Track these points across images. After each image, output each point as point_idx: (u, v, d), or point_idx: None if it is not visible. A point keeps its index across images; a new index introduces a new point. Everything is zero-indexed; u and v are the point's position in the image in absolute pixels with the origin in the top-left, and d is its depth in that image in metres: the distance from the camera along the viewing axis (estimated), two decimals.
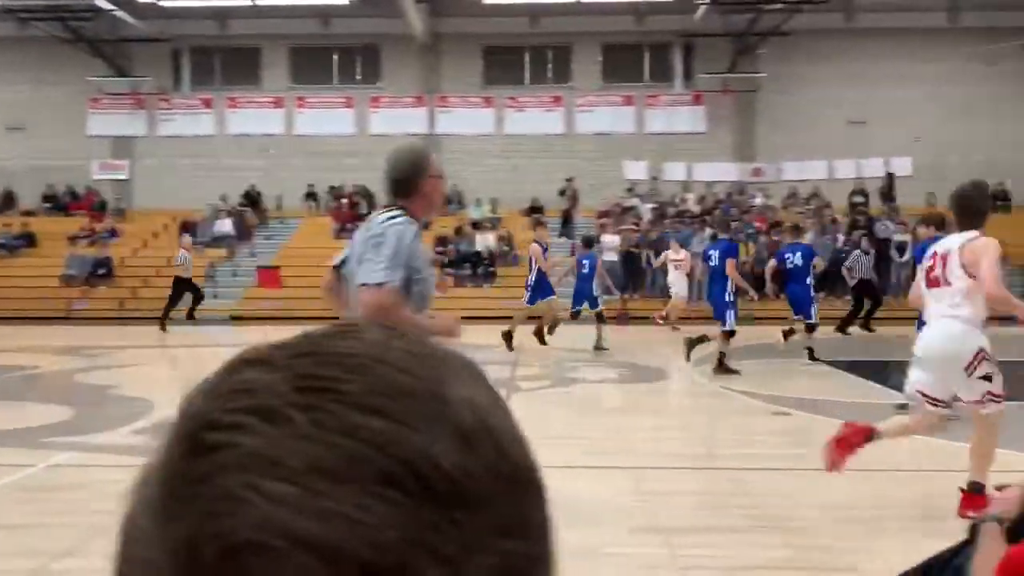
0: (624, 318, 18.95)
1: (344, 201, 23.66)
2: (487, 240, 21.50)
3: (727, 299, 10.20)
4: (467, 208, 23.50)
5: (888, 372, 10.61)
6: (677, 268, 16.20)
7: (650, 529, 4.40)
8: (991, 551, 1.75)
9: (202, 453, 0.35)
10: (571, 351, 12.81)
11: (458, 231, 21.84)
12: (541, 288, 12.90)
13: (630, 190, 23.13)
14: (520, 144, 24.54)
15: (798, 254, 11.27)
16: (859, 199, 22.59)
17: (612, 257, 19.98)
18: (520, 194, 23.77)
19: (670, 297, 16.47)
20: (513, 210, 23.59)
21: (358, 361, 0.37)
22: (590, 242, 14.28)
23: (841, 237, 20.26)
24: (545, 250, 13.27)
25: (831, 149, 23.86)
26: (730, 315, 10.14)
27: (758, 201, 22.54)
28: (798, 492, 5.11)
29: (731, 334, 10.19)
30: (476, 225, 22.25)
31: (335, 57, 25.14)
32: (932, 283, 4.64)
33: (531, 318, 13.80)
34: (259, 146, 24.82)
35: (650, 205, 22.28)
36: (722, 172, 24.06)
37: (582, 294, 13.51)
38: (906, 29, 23.03)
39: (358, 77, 25.11)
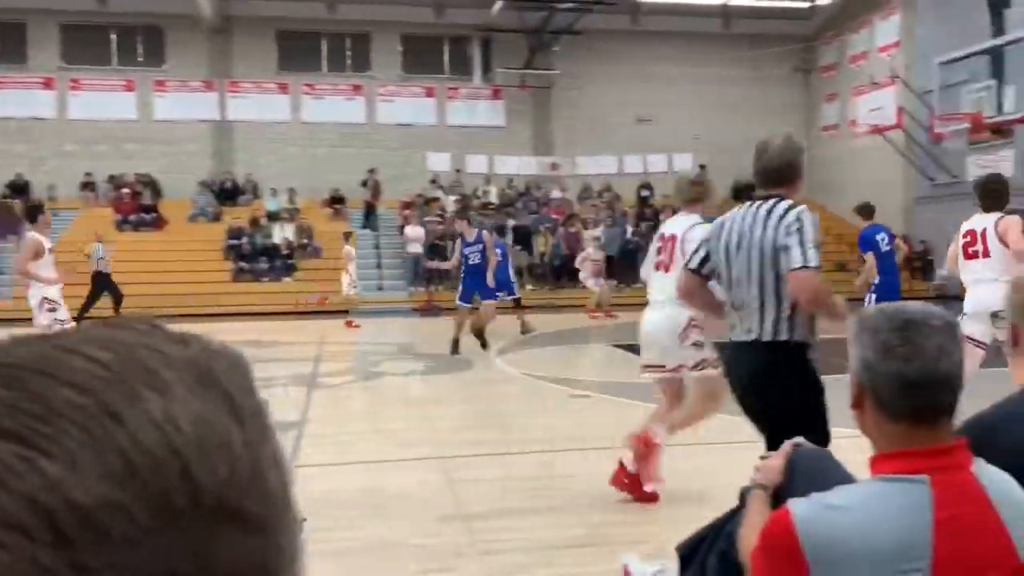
0: (432, 310, 19.02)
1: (126, 191, 22.02)
2: (285, 232, 20.81)
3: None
4: (263, 199, 22.61)
5: None
6: (594, 269, 16.95)
7: (454, 517, 4.44)
8: (757, 516, 1.90)
9: None
10: (377, 344, 12.67)
11: (253, 223, 20.97)
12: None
13: (433, 182, 23.19)
14: (319, 133, 23.92)
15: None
16: (646, 193, 23.97)
17: (416, 249, 20.01)
18: (320, 184, 23.19)
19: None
20: (313, 201, 22.99)
21: (10, 372, 0.32)
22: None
23: (630, 228, 21.41)
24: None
25: (621, 145, 25.12)
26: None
27: (556, 194, 23.36)
28: (595, 471, 5.34)
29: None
30: (273, 216, 21.46)
31: (113, 36, 23.30)
32: (971, 256, 5.57)
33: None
34: (25, 130, 22.56)
35: (453, 197, 22.48)
36: (522, 166, 24.68)
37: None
38: (685, 33, 24.66)
39: (140, 59, 23.42)
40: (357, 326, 15.12)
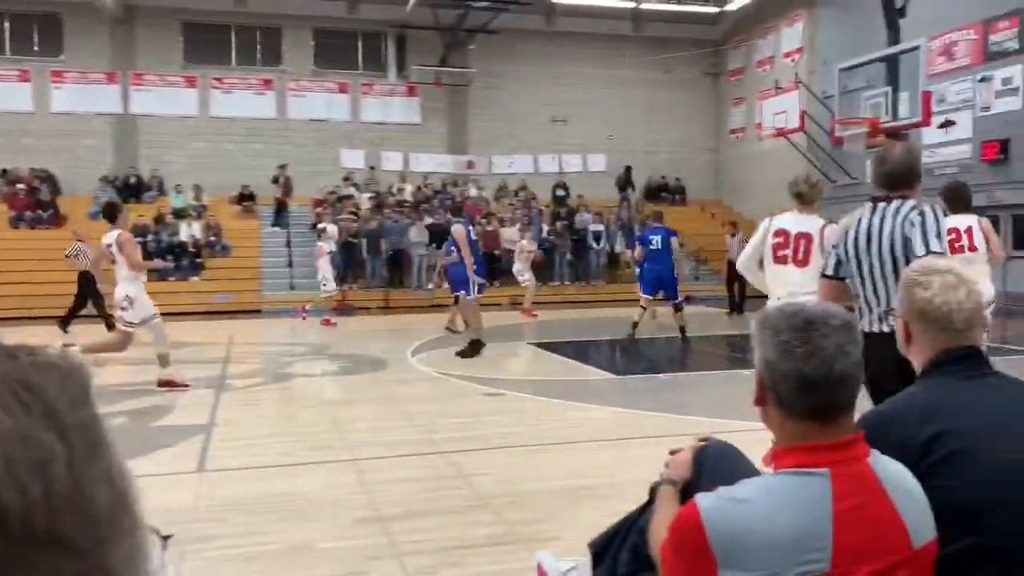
0: (346, 309, 18.74)
1: (21, 186, 20.99)
2: (192, 230, 20.19)
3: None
4: (168, 195, 21.88)
5: (589, 351, 11.51)
6: (528, 259, 16.88)
7: (370, 519, 4.39)
8: (666, 511, 1.95)
9: None
10: (288, 344, 12.43)
11: (159, 220, 20.28)
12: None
13: (347, 179, 22.87)
14: (228, 128, 23.29)
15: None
16: (561, 192, 24.20)
17: (330, 247, 19.64)
18: (229, 181, 22.60)
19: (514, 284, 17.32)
20: (221, 198, 22.38)
21: None
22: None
23: (545, 227, 21.58)
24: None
25: (537, 144, 25.31)
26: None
27: (473, 192, 23.34)
28: (511, 470, 5.37)
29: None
30: (179, 214, 20.79)
31: (7, 24, 22.16)
32: (958, 251, 6.39)
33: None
34: None
35: (368, 195, 22.21)
36: (437, 163, 24.58)
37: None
38: (598, 35, 24.99)
39: (36, 48, 22.33)
40: (334, 323, 15.15)
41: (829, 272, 3.74)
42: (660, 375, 9.79)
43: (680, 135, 26.54)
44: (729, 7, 24.17)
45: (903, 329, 2.01)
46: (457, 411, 7.37)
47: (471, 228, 11.19)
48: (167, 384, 8.41)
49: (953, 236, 6.38)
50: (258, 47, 23.83)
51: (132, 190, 22.09)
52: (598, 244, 21.63)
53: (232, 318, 16.87)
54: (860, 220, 3.62)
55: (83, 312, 14.37)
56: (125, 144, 22.77)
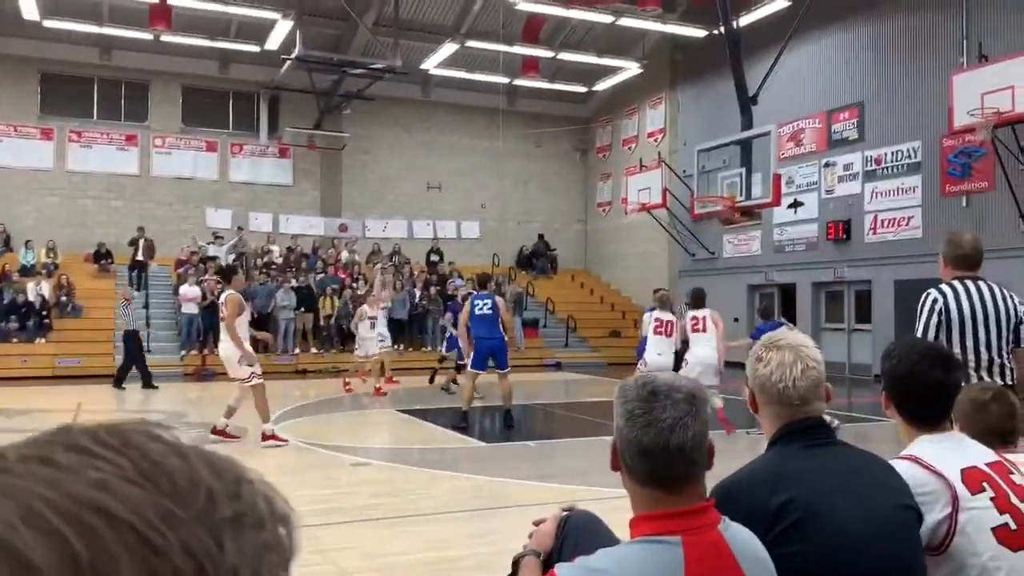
0: (205, 374, 17.97)
1: None
2: (41, 288, 18.97)
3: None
4: (16, 251, 20.54)
5: (458, 418, 11.47)
6: (374, 327, 14.49)
7: None
8: None
9: None
10: (143, 411, 11.76)
11: (2, 277, 18.96)
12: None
13: (220, 238, 22.13)
14: (86, 183, 22.23)
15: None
16: (435, 258, 24.30)
17: (192, 309, 18.92)
18: (85, 238, 21.48)
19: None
20: (76, 256, 21.20)
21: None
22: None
23: (418, 292, 21.56)
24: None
25: (411, 210, 25.41)
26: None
27: (344, 256, 23.08)
28: (374, 543, 5.23)
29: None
30: (26, 271, 19.52)
31: None
32: (697, 332, 9.90)
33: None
34: None
35: (232, 256, 21.56)
36: (309, 225, 24.23)
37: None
38: (473, 107, 25.59)
39: None
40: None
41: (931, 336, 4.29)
42: (530, 442, 9.84)
43: (551, 206, 27.30)
44: (597, 87, 25.33)
45: (751, 398, 2.11)
46: (321, 482, 7.15)
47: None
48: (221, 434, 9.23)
49: (694, 322, 9.92)
50: (123, 101, 23.00)
51: None
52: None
53: (82, 383, 15.84)
54: (961, 296, 4.22)
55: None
56: None
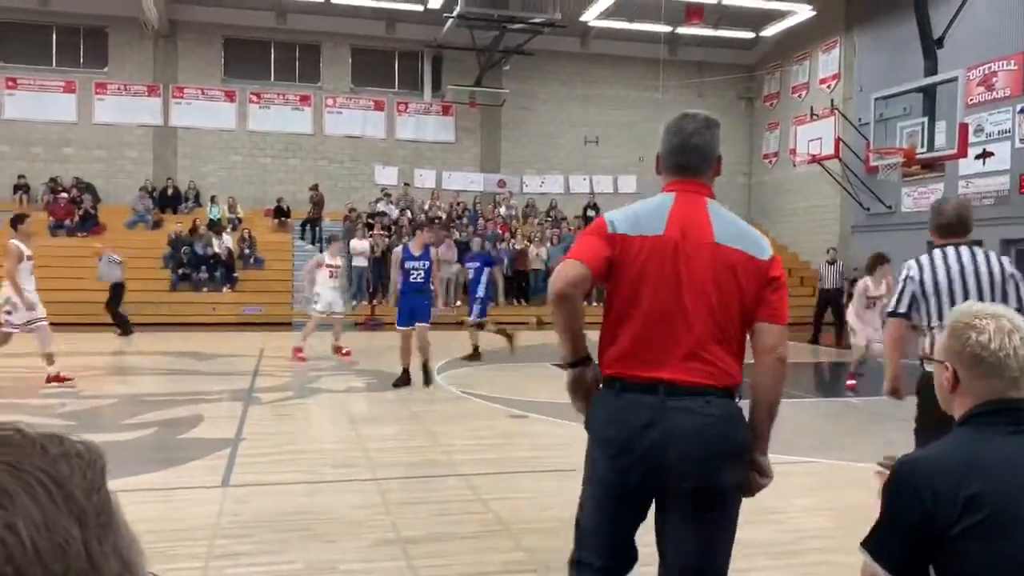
0: (374, 323, 18.90)
1: (64, 195, 21.46)
2: (226, 241, 20.47)
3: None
4: (205, 207, 22.24)
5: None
6: (332, 275, 12.68)
7: (389, 541, 4.43)
8: None
9: None
10: (316, 359, 12.53)
11: (193, 231, 20.60)
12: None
13: (388, 195, 23.08)
14: (265, 142, 23.65)
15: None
16: (592, 213, 24.21)
17: (362, 263, 19.88)
18: (264, 194, 22.94)
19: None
20: (256, 211, 22.69)
21: None
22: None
23: None
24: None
25: (568, 164, 25.39)
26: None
27: (502, 211, 23.45)
28: (534, 495, 5.38)
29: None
30: (214, 226, 21.11)
31: (55, 36, 22.74)
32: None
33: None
34: None
35: (398, 211, 22.40)
36: (469, 182, 24.75)
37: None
38: (632, 58, 25.06)
39: (81, 60, 22.89)
40: (347, 353, 12.89)
41: (901, 310, 4.21)
42: None
43: None
44: (765, 33, 24.12)
45: (951, 376, 1.86)
46: (481, 433, 7.40)
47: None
48: (55, 380, 9.23)
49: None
50: (297, 63, 24.21)
51: (169, 201, 22.50)
52: None
53: (263, 330, 17.07)
54: (938, 263, 4.13)
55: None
56: (164, 156, 23.21)
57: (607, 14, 22.22)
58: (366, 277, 19.98)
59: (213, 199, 22.08)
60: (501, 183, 24.92)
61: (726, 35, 23.92)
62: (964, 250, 4.16)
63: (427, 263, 10.03)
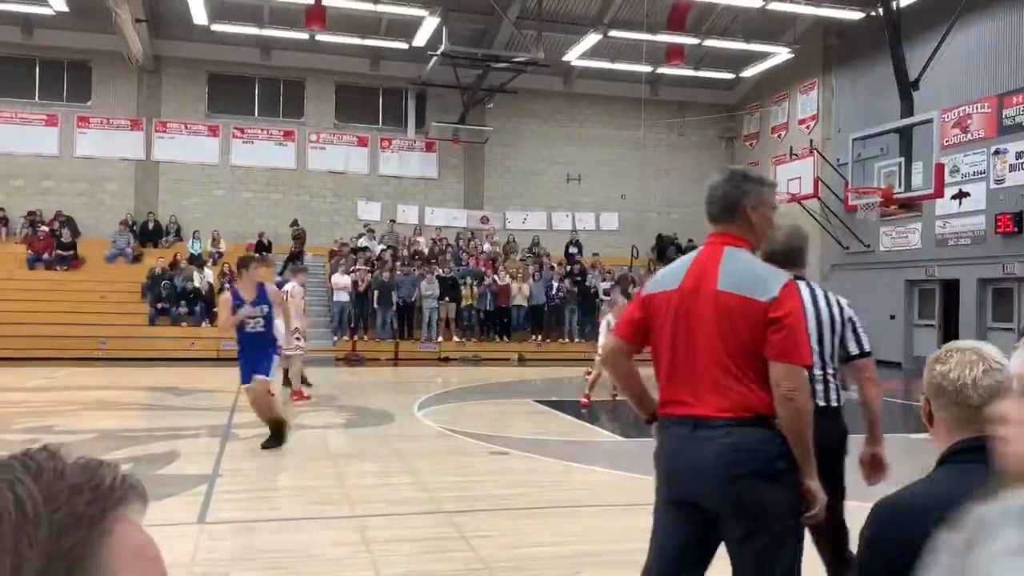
0: (356, 359, 18.80)
1: (43, 228, 21.29)
2: (206, 276, 20.34)
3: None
4: (186, 241, 22.11)
5: (596, 411, 11.45)
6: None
7: None
8: None
9: None
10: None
11: (173, 265, 20.46)
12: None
13: (371, 231, 23.10)
14: (248, 177, 23.63)
15: None
16: (574, 249, 24.34)
17: (343, 298, 19.83)
18: (246, 229, 22.86)
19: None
20: (238, 245, 22.58)
21: None
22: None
23: (555, 283, 21.66)
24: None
25: (550, 201, 25.54)
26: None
27: (486, 247, 23.51)
28: (515, 533, 5.31)
29: None
30: (194, 260, 20.98)
31: (38, 70, 22.71)
32: None
33: None
34: None
35: (382, 246, 22.40)
36: (452, 218, 24.82)
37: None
38: (615, 97, 25.37)
39: (64, 94, 22.86)
40: (307, 397, 11.89)
41: None
42: None
43: (694, 196, 26.58)
44: (745, 74, 24.54)
45: (925, 406, 1.89)
46: (462, 470, 7.32)
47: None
48: None
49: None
50: (281, 99, 24.29)
51: (150, 235, 22.36)
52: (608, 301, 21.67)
53: None
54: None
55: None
56: (146, 189, 23.11)
57: (589, 54, 22.54)
58: (348, 312, 19.91)
59: (195, 234, 21.97)
60: (484, 219, 25.00)
61: (707, 75, 24.30)
62: (803, 286, 3.60)
63: (265, 307, 8.10)
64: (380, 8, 19.80)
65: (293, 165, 24.00)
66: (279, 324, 9.46)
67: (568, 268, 22.85)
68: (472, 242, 23.70)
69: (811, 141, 22.20)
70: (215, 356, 18.16)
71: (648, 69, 22.74)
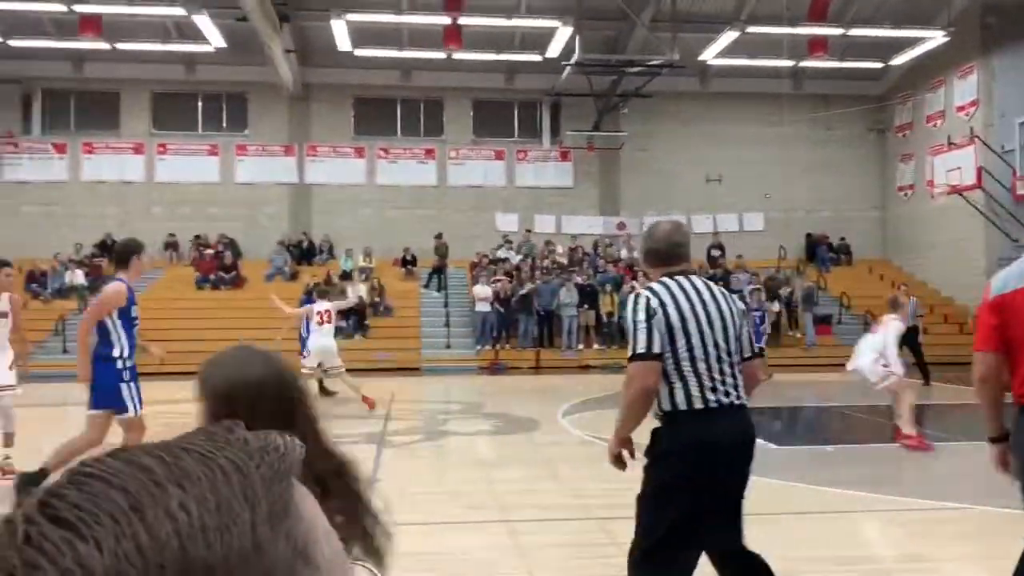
0: (497, 368, 19.11)
1: (209, 251, 22.88)
2: (358, 290, 21.23)
3: None
4: (338, 258, 23.20)
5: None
6: (321, 324, 12.38)
7: None
8: None
9: None
10: (444, 403, 12.75)
11: (327, 281, 21.45)
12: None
13: (509, 242, 23.50)
14: (393, 195, 24.54)
15: None
16: (716, 252, 23.79)
17: (485, 308, 20.21)
18: (392, 244, 23.71)
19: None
20: (385, 260, 23.48)
21: (88, 477, 0.44)
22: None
23: None
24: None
25: (690, 204, 25.08)
26: None
27: (624, 254, 23.36)
28: None
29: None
30: (346, 276, 21.96)
31: (200, 104, 24.50)
32: None
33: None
34: (116, 193, 23.75)
35: (519, 257, 22.70)
36: (588, 225, 24.84)
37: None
38: (755, 94, 24.67)
39: (224, 124, 24.53)
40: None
41: (657, 350, 3.28)
42: (827, 446, 9.31)
43: (843, 193, 25.60)
44: (895, 61, 23.26)
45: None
46: (609, 477, 7.29)
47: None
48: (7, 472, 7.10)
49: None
50: (421, 118, 25.14)
51: (304, 254, 23.60)
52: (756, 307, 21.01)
53: (393, 376, 17.52)
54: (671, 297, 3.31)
55: None
56: (299, 211, 24.45)
57: (726, 52, 22.02)
58: (490, 322, 20.27)
59: (348, 251, 23.03)
60: (621, 225, 24.87)
61: (853, 66, 23.22)
62: (697, 281, 3.40)
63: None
64: (515, 22, 20.14)
65: (434, 181, 24.74)
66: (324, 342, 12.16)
67: (711, 272, 22.35)
68: (609, 248, 23.62)
69: (971, 128, 20.79)
70: (368, 367, 18.91)
71: (790, 63, 21.99)
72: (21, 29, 20.48)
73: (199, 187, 23.98)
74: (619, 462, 3.59)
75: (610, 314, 20.76)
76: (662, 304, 3.26)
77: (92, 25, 19.53)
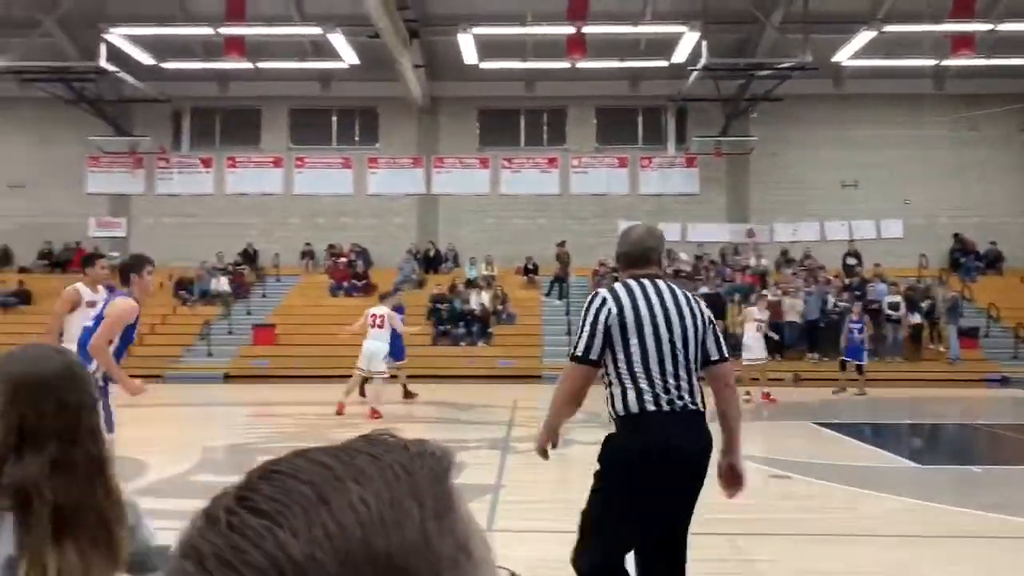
0: None
1: (342, 260, 23.80)
2: (481, 298, 21.58)
3: None
4: (462, 266, 23.64)
5: (884, 434, 10.64)
6: (373, 327, 12.67)
7: None
8: None
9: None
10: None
11: (452, 289, 21.93)
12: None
13: None
14: (516, 204, 24.81)
15: None
16: (852, 261, 22.82)
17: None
18: (515, 253, 23.96)
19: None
20: (508, 269, 23.74)
21: (277, 474, 0.50)
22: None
23: (831, 298, 20.41)
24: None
25: (823, 210, 24.17)
26: None
27: (752, 262, 22.75)
28: (798, 559, 5.09)
29: None
30: (470, 284, 22.35)
31: (334, 119, 25.54)
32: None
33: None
34: (257, 205, 25.06)
35: None
36: (715, 232, 24.32)
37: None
38: (892, 95, 23.55)
39: (356, 138, 25.48)
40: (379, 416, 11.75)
41: (595, 357, 3.33)
42: (973, 467, 8.77)
43: (990, 197, 24.05)
44: None
45: None
46: (743, 492, 7.11)
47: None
48: None
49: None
50: (544, 128, 25.32)
51: (431, 262, 24.19)
52: (896, 317, 20.02)
53: (516, 383, 17.67)
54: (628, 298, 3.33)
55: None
56: (427, 220, 25.09)
57: (862, 52, 21.12)
58: None
59: (472, 260, 23.44)
60: (750, 232, 24.22)
61: (1002, 63, 21.80)
62: (662, 285, 3.38)
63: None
64: (639, 29, 20.00)
65: (557, 190, 24.85)
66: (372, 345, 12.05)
67: (846, 281, 21.46)
68: (736, 256, 23.04)
69: None
70: (491, 374, 19.16)
71: (931, 62, 20.89)
72: (172, 52, 21.95)
73: (333, 198, 24.98)
74: (544, 454, 3.74)
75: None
76: (618, 303, 3.30)
77: (236, 46, 20.73)
